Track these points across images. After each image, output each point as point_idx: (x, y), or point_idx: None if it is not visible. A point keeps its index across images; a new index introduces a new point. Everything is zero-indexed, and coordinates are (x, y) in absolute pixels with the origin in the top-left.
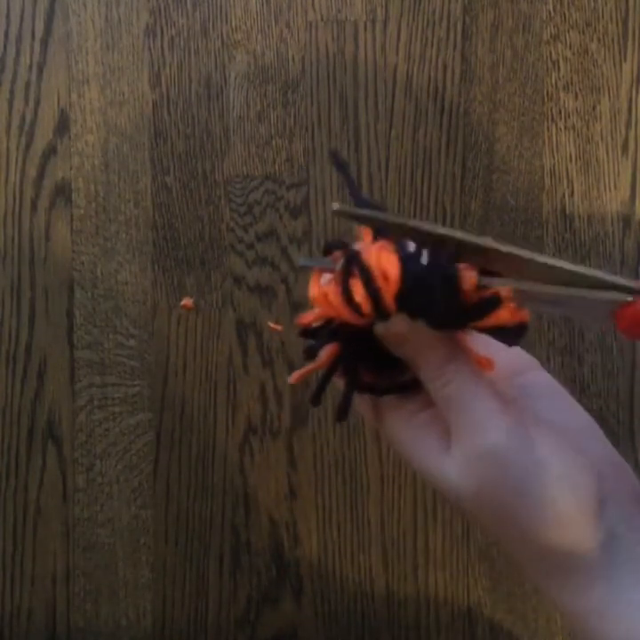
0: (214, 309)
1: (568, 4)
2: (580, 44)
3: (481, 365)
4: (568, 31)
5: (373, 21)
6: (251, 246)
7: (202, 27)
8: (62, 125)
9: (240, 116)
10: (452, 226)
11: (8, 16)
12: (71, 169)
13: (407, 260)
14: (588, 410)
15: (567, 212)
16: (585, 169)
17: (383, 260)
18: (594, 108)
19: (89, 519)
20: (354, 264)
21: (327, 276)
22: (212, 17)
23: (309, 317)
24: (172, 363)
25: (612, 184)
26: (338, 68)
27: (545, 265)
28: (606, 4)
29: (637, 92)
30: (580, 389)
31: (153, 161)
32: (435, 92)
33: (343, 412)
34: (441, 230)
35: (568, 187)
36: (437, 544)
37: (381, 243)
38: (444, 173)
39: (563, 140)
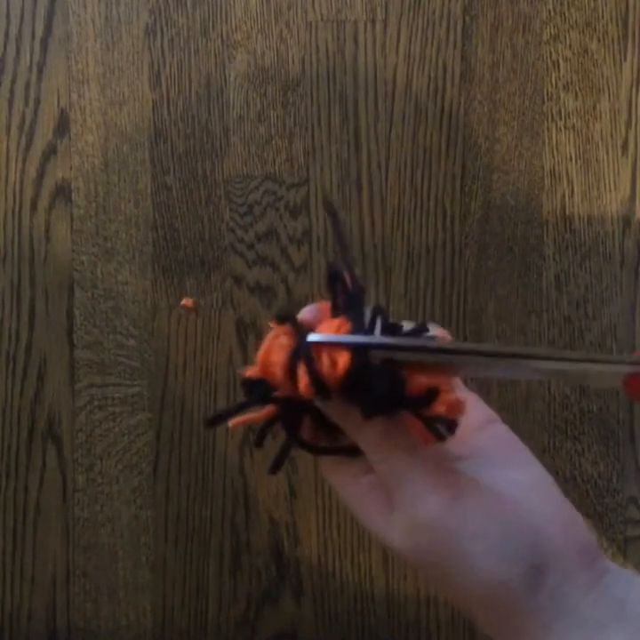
0: (214, 309)
1: (568, 4)
2: (580, 44)
3: (425, 440)
4: (568, 31)
5: (373, 21)
6: (251, 246)
7: (202, 27)
8: (62, 125)
9: (240, 116)
10: (451, 226)
11: (8, 16)
12: (71, 169)
13: (358, 355)
14: (588, 410)
15: (567, 212)
16: (585, 169)
17: (335, 350)
18: (594, 108)
19: (89, 519)
20: (303, 354)
21: (284, 340)
22: (212, 17)
23: (253, 373)
24: (172, 363)
25: (611, 184)
26: (338, 68)
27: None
28: (606, 4)
29: (637, 92)
30: (580, 389)
31: (153, 161)
32: (435, 92)
33: (277, 467)
34: (431, 344)
35: (568, 187)
36: None
37: (338, 322)
38: (443, 173)
39: (563, 139)
